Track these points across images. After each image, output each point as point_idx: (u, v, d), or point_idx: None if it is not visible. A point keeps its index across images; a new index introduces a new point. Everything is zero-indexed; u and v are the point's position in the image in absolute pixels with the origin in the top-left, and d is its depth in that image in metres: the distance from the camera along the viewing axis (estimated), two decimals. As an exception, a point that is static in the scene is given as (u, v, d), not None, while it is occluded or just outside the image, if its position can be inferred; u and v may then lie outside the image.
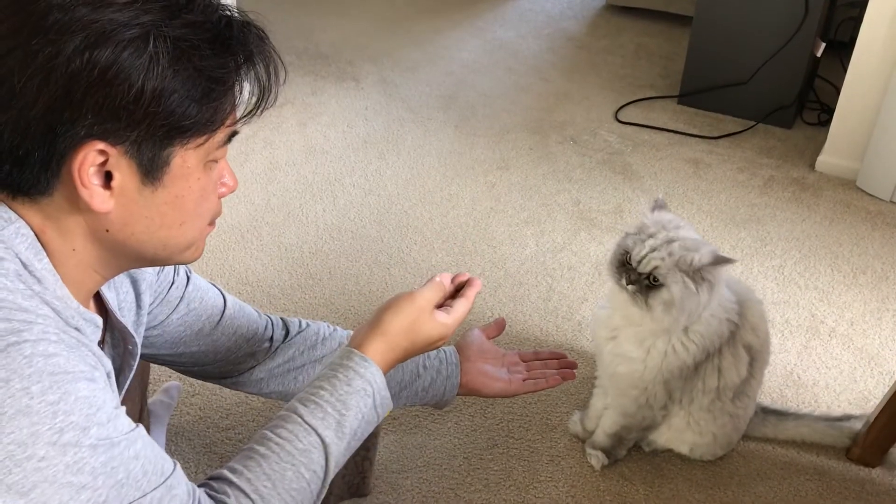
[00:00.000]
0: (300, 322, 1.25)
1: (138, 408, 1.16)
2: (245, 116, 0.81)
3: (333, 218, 2.14)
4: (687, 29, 2.83)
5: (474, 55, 3.13)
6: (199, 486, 0.84)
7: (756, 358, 1.36)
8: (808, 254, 2.06)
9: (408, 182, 2.31)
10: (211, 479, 0.86)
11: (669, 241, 1.21)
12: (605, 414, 1.45)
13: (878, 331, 1.82)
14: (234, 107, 0.79)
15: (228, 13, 0.77)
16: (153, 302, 1.04)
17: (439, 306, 1.03)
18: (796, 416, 1.53)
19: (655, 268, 1.20)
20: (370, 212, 2.17)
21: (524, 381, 1.29)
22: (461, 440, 1.52)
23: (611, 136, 2.57)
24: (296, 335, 1.23)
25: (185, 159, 0.76)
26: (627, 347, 1.31)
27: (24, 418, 0.65)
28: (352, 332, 1.18)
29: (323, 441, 0.89)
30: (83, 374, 0.71)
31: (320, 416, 0.90)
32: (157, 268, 1.04)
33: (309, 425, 0.89)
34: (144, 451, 0.76)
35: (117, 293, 0.93)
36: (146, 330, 1.05)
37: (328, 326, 1.26)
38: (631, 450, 1.49)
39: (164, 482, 0.77)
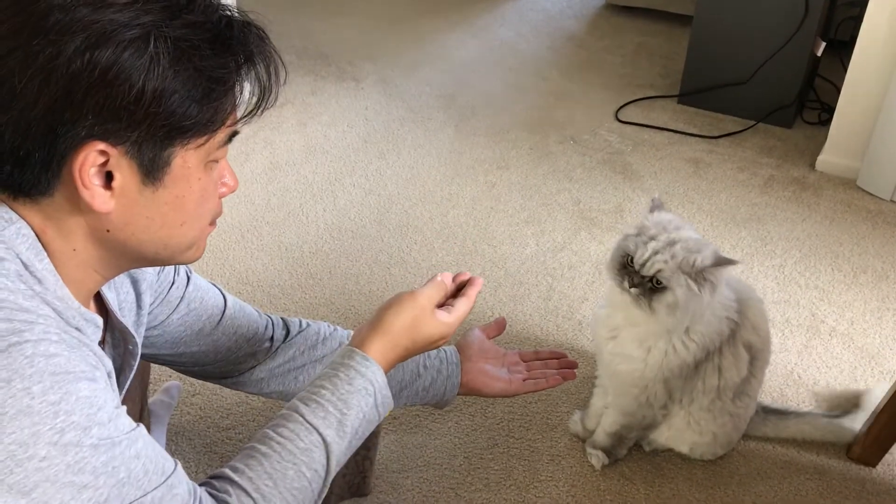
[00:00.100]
0: (300, 322, 1.25)
1: (139, 407, 1.16)
2: (245, 116, 0.81)
3: (333, 217, 2.14)
4: (687, 28, 2.83)
5: (474, 55, 3.13)
6: (200, 485, 0.84)
7: (756, 357, 1.36)
8: (808, 253, 2.06)
9: (408, 182, 2.31)
10: (212, 477, 0.86)
11: (672, 244, 1.20)
12: (606, 413, 1.45)
13: (879, 330, 1.82)
14: (234, 107, 0.79)
15: (229, 13, 0.77)
16: (153, 302, 1.05)
17: (440, 305, 1.03)
18: (797, 415, 1.53)
19: (659, 271, 1.19)
20: (370, 211, 2.18)
21: (524, 380, 1.29)
22: (461, 440, 1.52)
23: (611, 136, 2.57)
24: (296, 335, 1.23)
25: (185, 159, 0.76)
26: (628, 347, 1.31)
27: (25, 418, 0.66)
28: (352, 332, 1.18)
29: (324, 440, 0.89)
30: (84, 374, 0.71)
31: (322, 415, 0.90)
32: (158, 268, 1.04)
33: (310, 424, 0.89)
34: (145, 450, 0.76)
35: (118, 293, 0.93)
36: (147, 330, 1.05)
37: (328, 326, 1.26)
38: (631, 449, 1.49)
39: (165, 481, 0.77)
